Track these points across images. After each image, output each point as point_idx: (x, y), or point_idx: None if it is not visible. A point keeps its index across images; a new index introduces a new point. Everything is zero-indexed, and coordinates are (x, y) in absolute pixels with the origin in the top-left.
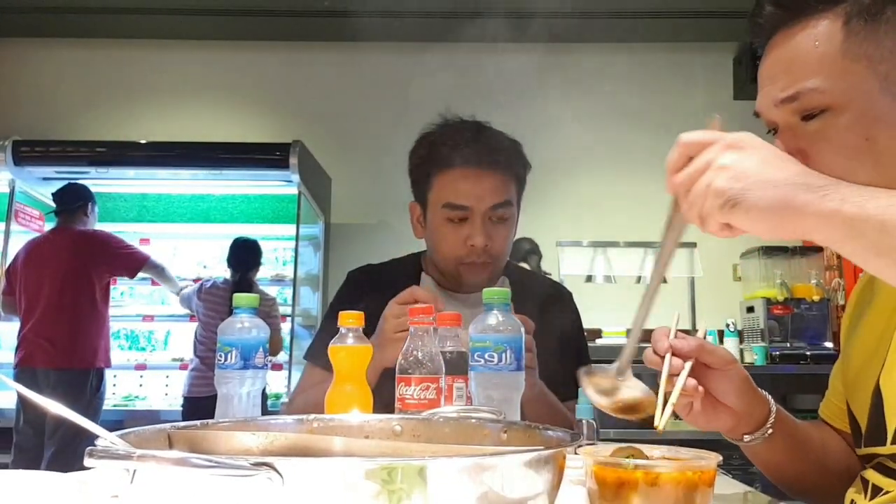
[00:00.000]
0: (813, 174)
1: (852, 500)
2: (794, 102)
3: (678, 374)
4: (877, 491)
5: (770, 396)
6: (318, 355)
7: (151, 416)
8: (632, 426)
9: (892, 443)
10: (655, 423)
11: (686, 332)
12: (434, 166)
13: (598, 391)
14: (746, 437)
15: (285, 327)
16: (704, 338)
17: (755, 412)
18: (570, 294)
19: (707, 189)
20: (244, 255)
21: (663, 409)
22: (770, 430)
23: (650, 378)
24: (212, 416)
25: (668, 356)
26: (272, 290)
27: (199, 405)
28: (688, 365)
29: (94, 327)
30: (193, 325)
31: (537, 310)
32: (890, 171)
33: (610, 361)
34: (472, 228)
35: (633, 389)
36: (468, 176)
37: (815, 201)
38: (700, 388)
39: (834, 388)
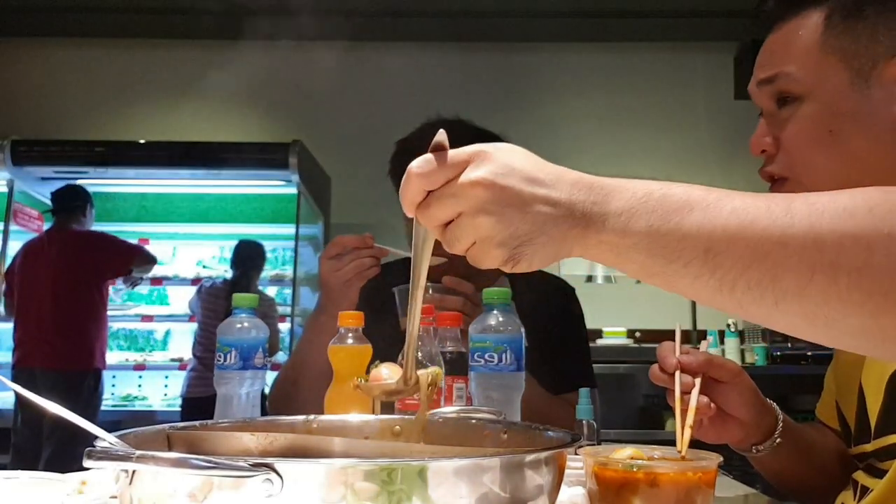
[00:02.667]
0: (575, 195)
1: (842, 503)
2: (770, 85)
3: (689, 392)
4: (865, 492)
5: (776, 405)
6: None
7: (150, 417)
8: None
9: (875, 438)
10: (678, 448)
11: (686, 333)
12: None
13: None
14: (755, 448)
15: (284, 327)
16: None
17: (763, 422)
18: (572, 289)
19: (479, 243)
20: (246, 256)
21: (682, 431)
22: (778, 440)
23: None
24: (211, 417)
25: (677, 374)
26: (272, 291)
27: (198, 405)
28: (698, 382)
29: (91, 328)
30: (193, 326)
31: (540, 305)
32: (850, 166)
33: (610, 361)
34: None
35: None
36: None
37: (582, 237)
38: (712, 406)
39: (828, 387)
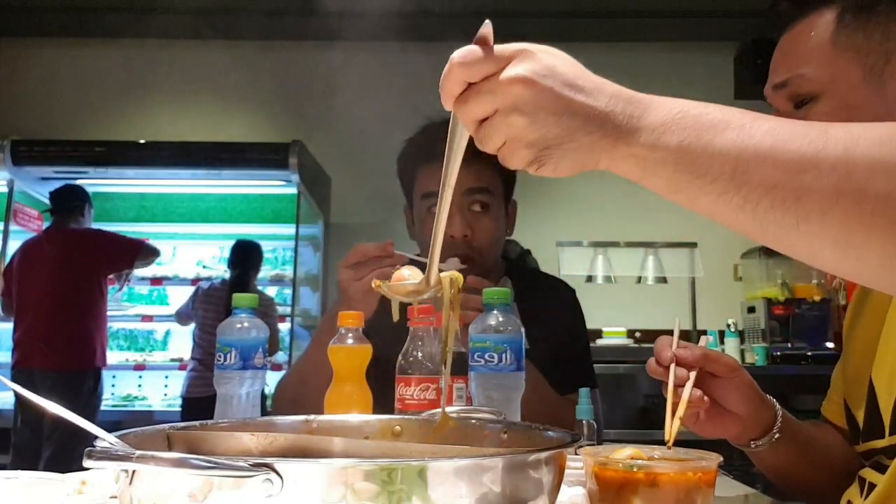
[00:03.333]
0: (612, 105)
1: (848, 501)
2: (785, 88)
3: (683, 385)
4: (872, 489)
5: (775, 400)
6: None
7: (150, 417)
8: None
9: (891, 434)
10: (665, 437)
11: (686, 332)
12: (416, 163)
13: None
14: (753, 443)
15: (284, 327)
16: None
17: (761, 417)
18: (573, 290)
19: (509, 142)
20: (242, 256)
21: (671, 422)
22: (777, 435)
23: (655, 385)
24: (210, 417)
25: (672, 367)
26: (272, 291)
27: (198, 406)
28: (692, 375)
29: (91, 327)
30: (192, 326)
31: (541, 305)
32: None
33: (610, 361)
34: (451, 218)
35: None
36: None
37: (612, 148)
38: (706, 399)
39: (835, 386)
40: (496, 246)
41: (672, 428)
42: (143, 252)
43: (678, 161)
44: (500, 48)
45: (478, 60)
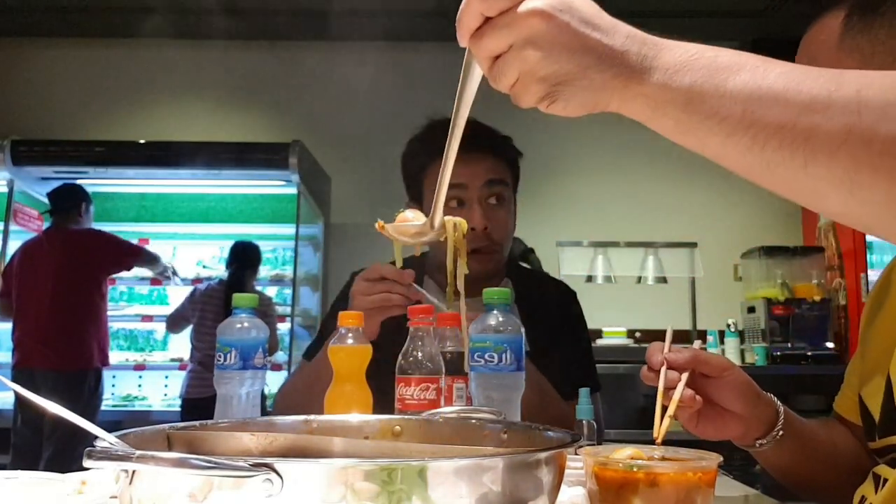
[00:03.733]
0: (627, 45)
1: (862, 496)
2: None
3: (674, 388)
4: (887, 484)
5: (775, 398)
6: (313, 354)
7: (150, 417)
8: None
9: None
10: (654, 435)
11: (686, 333)
12: (425, 159)
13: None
14: (758, 443)
15: (284, 327)
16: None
17: (762, 415)
18: (574, 292)
19: (522, 76)
20: (239, 256)
21: (661, 421)
22: (781, 433)
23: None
24: (210, 417)
25: (663, 370)
26: (272, 291)
27: (197, 406)
28: (684, 376)
29: (91, 327)
30: (190, 328)
31: (541, 307)
32: None
33: (610, 361)
34: (470, 211)
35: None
36: (460, 159)
37: (623, 87)
38: (698, 398)
39: (849, 382)
40: (510, 240)
41: (662, 426)
42: (142, 258)
43: (688, 101)
44: None
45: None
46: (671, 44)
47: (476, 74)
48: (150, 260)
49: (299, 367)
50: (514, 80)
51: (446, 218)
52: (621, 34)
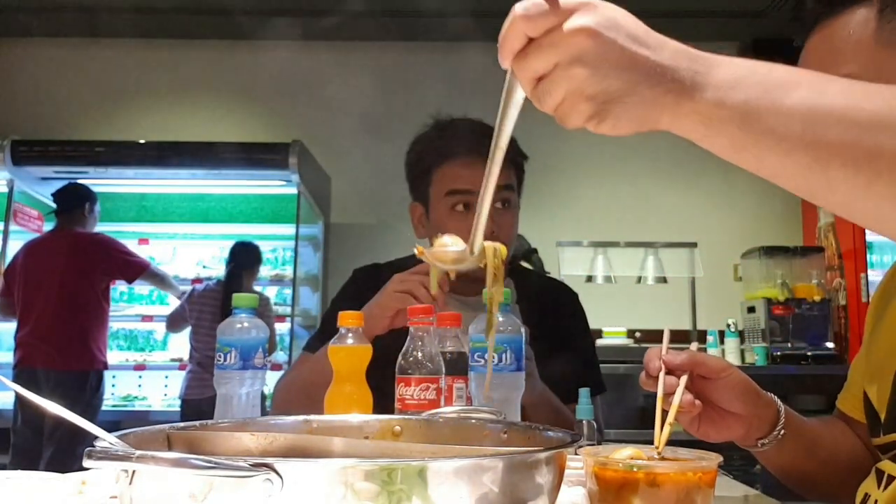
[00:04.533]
0: (677, 61)
1: (866, 493)
2: None
3: (674, 392)
4: (892, 481)
5: (776, 397)
6: (313, 347)
7: (150, 417)
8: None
9: None
10: (655, 444)
11: (685, 333)
12: (434, 160)
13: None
14: (760, 442)
15: (284, 327)
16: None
17: (763, 415)
18: (575, 294)
19: (568, 96)
20: (236, 256)
21: (662, 429)
22: (783, 432)
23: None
24: (208, 418)
25: (661, 375)
26: (272, 290)
27: (196, 407)
28: (683, 380)
29: (93, 328)
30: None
31: (543, 310)
32: None
33: (610, 361)
34: None
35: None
36: (468, 163)
37: (676, 104)
38: (697, 403)
39: (853, 379)
40: (514, 242)
41: (663, 435)
42: (146, 274)
43: (744, 118)
44: (563, 1)
45: (541, 13)
46: (722, 59)
47: (518, 97)
48: (155, 277)
49: (299, 359)
50: (559, 101)
51: (486, 244)
52: (669, 50)
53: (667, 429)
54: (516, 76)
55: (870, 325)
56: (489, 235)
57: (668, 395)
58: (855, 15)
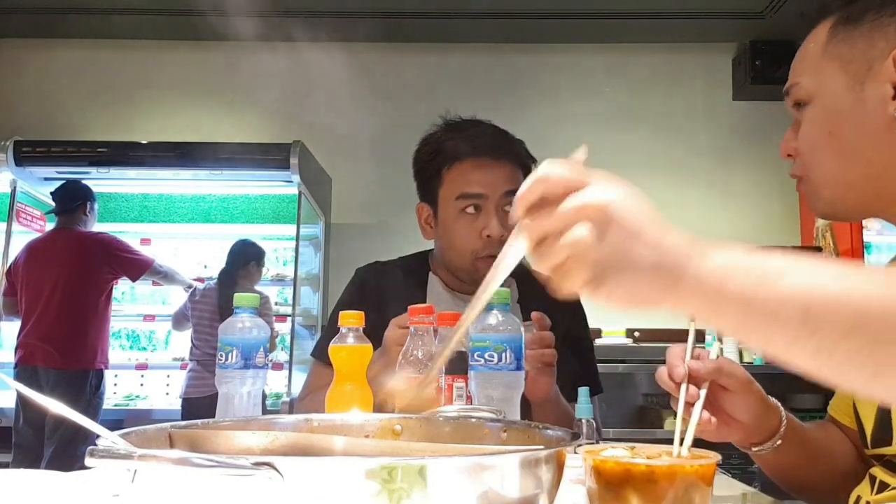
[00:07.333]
0: (678, 247)
1: (858, 497)
2: (788, 96)
3: (694, 402)
4: (883, 487)
5: (780, 406)
6: (325, 352)
7: (152, 416)
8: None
9: None
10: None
11: (685, 333)
12: (444, 161)
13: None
14: (755, 448)
15: (284, 327)
16: (718, 357)
17: (766, 424)
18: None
19: (570, 259)
20: (231, 255)
21: (681, 443)
22: (779, 441)
23: (654, 384)
24: (208, 417)
25: (684, 386)
26: (272, 290)
27: (196, 406)
28: (702, 393)
29: (95, 328)
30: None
31: (544, 310)
32: (849, 165)
33: (610, 361)
34: (487, 218)
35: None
36: (479, 166)
37: (675, 287)
38: (713, 420)
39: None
40: None
41: (682, 451)
42: (151, 271)
43: (746, 301)
44: (581, 170)
45: (561, 179)
46: (716, 245)
47: (519, 251)
48: (160, 273)
49: (312, 371)
50: (558, 262)
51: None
52: (672, 233)
53: (686, 444)
54: (523, 231)
55: None
56: (499, 239)
57: (688, 404)
58: (822, 29)
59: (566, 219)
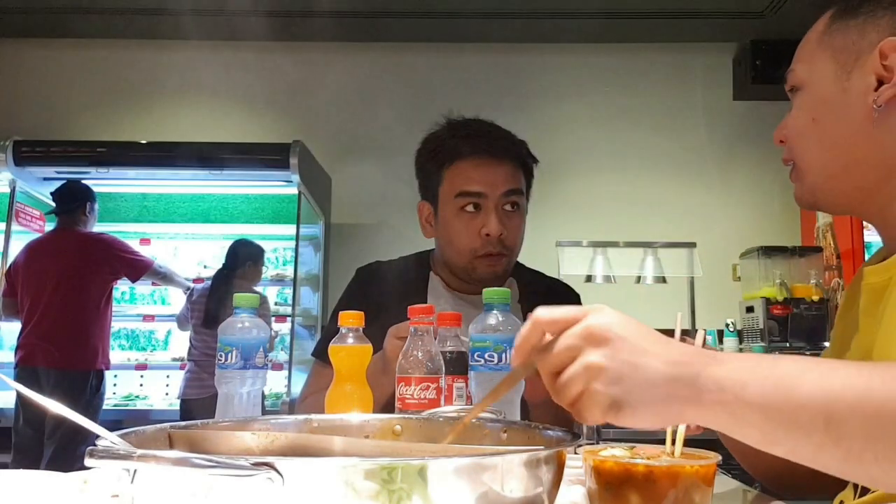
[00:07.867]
0: (687, 356)
1: (841, 501)
2: (786, 82)
3: None
4: (865, 492)
5: None
6: (326, 353)
7: (151, 416)
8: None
9: None
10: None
11: (686, 332)
12: (445, 160)
13: None
14: (741, 451)
15: (284, 327)
16: (704, 342)
17: None
18: (577, 295)
19: (585, 390)
20: (228, 256)
21: (673, 443)
22: None
23: None
24: (206, 417)
25: None
26: (272, 290)
27: (195, 407)
28: None
29: (95, 328)
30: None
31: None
32: (831, 151)
33: None
34: (486, 217)
35: None
36: (480, 165)
37: (696, 395)
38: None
39: None
40: (521, 243)
41: (676, 450)
42: (150, 272)
43: (767, 410)
44: (577, 307)
45: (561, 315)
46: (725, 355)
47: (519, 386)
48: (159, 275)
49: (314, 372)
50: (578, 392)
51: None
52: (676, 346)
53: (678, 447)
54: (539, 369)
55: (834, 340)
56: (498, 238)
57: None
58: (822, 20)
59: (574, 346)
